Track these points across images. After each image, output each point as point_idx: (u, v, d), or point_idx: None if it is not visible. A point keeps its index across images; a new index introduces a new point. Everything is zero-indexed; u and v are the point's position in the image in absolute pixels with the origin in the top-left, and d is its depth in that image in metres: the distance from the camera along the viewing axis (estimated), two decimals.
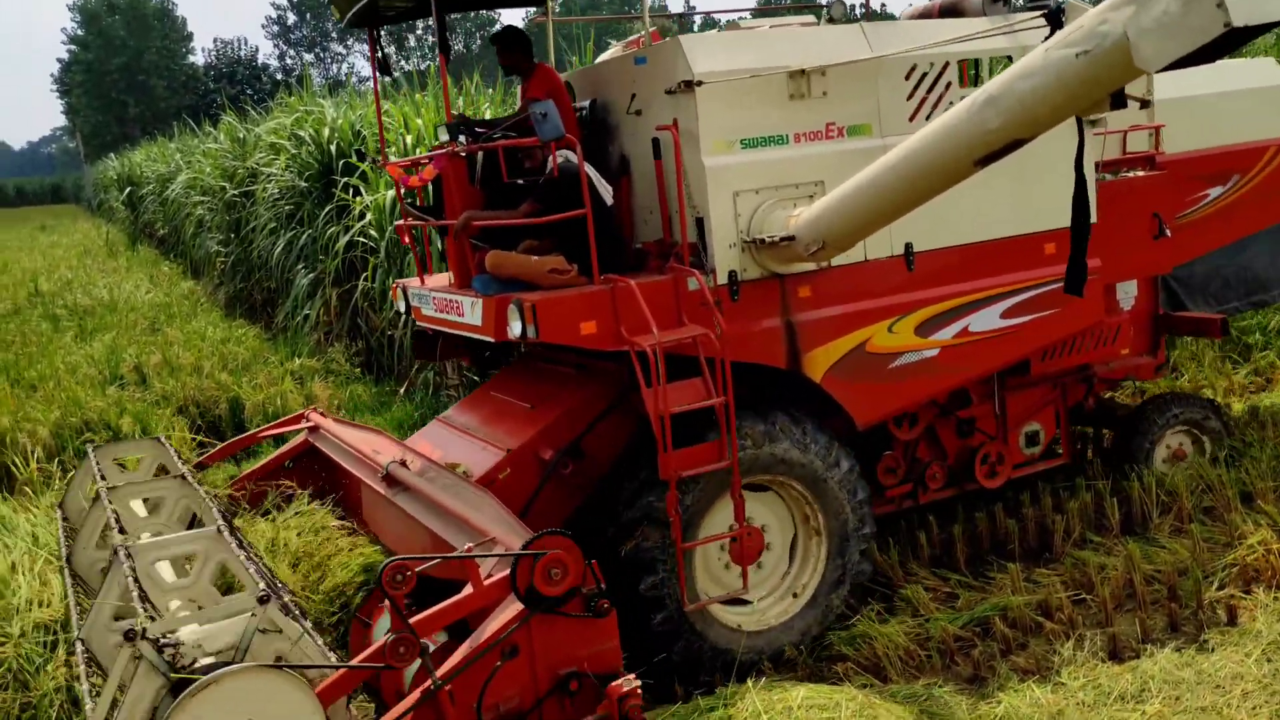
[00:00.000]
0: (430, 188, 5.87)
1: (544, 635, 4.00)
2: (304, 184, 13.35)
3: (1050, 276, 6.08)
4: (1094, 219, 6.06)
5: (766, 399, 5.62)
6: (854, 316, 5.72)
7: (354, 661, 3.77)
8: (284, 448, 6.89)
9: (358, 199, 11.63)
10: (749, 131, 5.44)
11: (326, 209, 12.47)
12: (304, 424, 6.85)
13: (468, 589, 4.03)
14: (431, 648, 4.13)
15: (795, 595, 5.61)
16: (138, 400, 10.66)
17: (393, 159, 6.19)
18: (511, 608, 3.98)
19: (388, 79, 7.74)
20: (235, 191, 16.90)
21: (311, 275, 13.04)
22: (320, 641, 4.40)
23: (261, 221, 15.08)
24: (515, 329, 5.16)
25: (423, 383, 10.33)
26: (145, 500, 5.77)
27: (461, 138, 5.38)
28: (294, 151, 13.77)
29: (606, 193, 5.56)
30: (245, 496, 6.40)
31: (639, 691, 4.08)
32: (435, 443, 6.13)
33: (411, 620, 3.81)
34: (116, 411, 10.15)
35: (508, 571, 3.98)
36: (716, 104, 5.31)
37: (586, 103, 6.16)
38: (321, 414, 6.94)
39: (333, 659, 3.79)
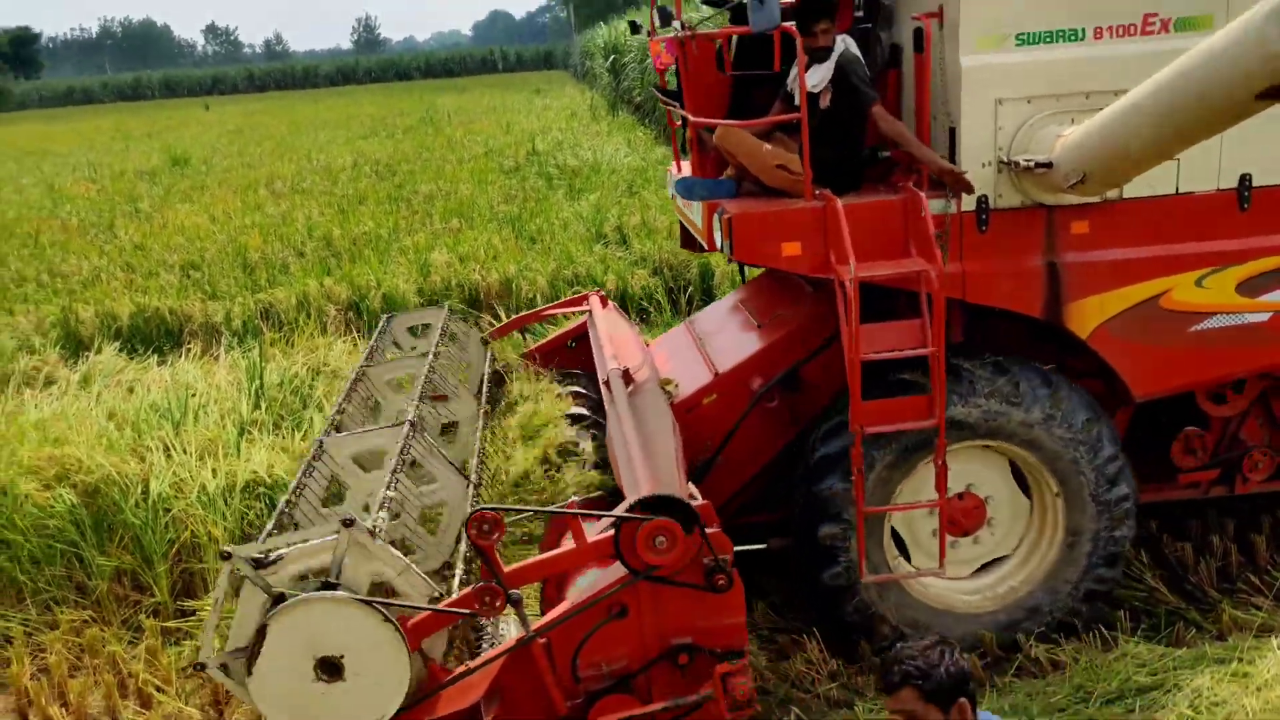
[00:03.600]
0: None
1: (655, 601, 3.75)
2: None
3: None
4: None
5: (1012, 351, 4.74)
6: (1148, 263, 4.58)
7: (442, 606, 3.75)
8: (566, 328, 7.04)
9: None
10: (1031, 24, 4.41)
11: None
12: (586, 305, 6.94)
13: (569, 543, 3.86)
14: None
15: (1011, 585, 4.82)
16: (619, 259, 11.49)
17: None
18: (620, 568, 3.76)
19: None
20: None
21: None
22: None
23: None
24: (719, 242, 4.73)
25: None
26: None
27: (676, 23, 4.84)
28: None
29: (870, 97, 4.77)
30: (532, 369, 6.66)
31: (748, 673, 3.74)
32: (670, 350, 5.92)
33: (507, 570, 3.71)
34: (602, 268, 11.08)
35: (612, 533, 3.75)
36: None
37: None
38: (601, 298, 6.98)
39: (431, 590, 3.78)
